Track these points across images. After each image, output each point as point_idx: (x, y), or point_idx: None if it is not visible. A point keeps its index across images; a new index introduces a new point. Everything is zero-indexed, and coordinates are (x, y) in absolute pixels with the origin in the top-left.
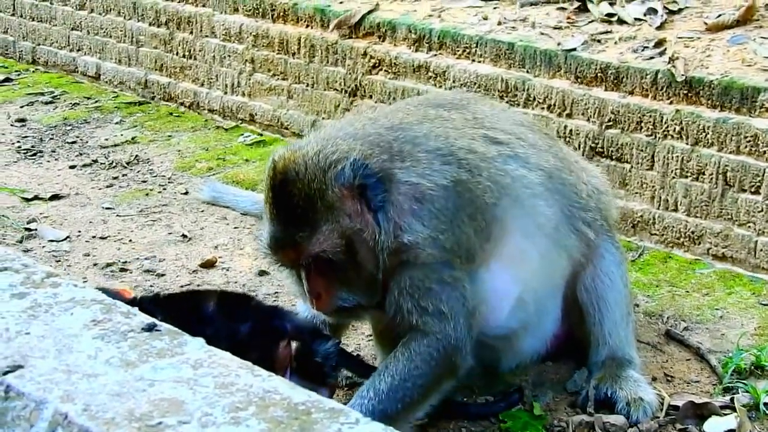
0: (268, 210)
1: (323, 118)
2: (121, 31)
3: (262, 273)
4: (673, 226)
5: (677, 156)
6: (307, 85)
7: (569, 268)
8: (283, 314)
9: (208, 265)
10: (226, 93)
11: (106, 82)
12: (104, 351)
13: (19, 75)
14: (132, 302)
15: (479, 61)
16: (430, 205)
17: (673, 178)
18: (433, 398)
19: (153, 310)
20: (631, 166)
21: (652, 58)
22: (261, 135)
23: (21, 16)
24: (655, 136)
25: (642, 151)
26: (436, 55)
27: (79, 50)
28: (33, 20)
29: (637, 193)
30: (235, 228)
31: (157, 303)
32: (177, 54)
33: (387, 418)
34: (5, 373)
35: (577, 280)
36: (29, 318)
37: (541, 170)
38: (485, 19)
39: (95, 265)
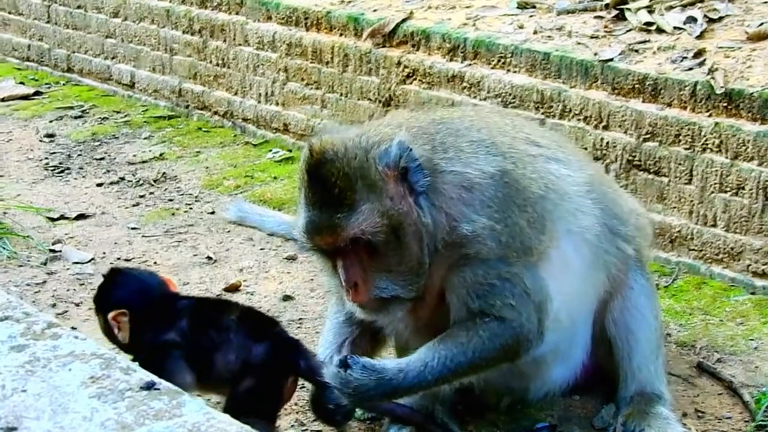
0: (304, 193)
1: None
2: (155, 39)
3: (287, 298)
4: (712, 242)
5: (716, 170)
6: (341, 95)
7: (606, 287)
8: (302, 351)
9: (233, 288)
10: (259, 102)
11: (141, 90)
12: (100, 412)
13: (49, 88)
14: (171, 297)
15: (514, 71)
16: (480, 194)
17: (712, 192)
18: (478, 375)
19: (179, 306)
20: (669, 180)
21: (691, 69)
22: (290, 151)
23: (56, 24)
24: (694, 150)
25: (680, 164)
26: (470, 64)
27: (113, 58)
28: (68, 28)
29: (674, 207)
30: (261, 249)
31: (185, 301)
32: (211, 62)
33: (434, 382)
34: None
35: (606, 312)
36: (27, 374)
37: (583, 176)
38: (521, 27)
39: None
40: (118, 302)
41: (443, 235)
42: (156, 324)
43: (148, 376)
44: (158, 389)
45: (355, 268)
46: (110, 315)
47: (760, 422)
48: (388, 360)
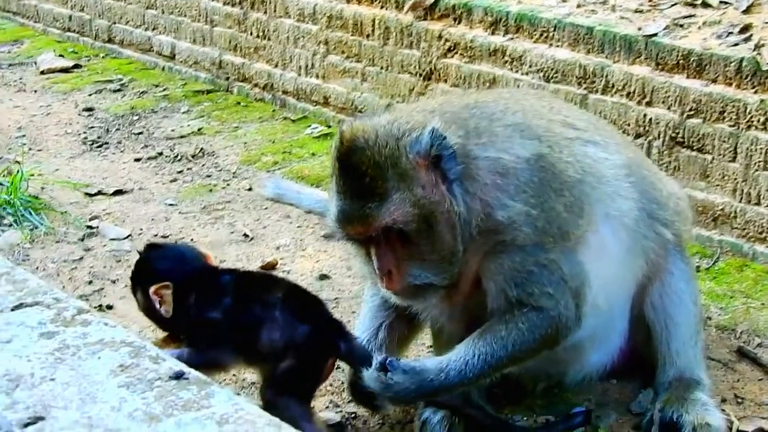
0: (335, 181)
1: (397, 102)
2: (195, 10)
3: (323, 277)
4: (755, 221)
5: (761, 147)
6: (382, 68)
7: (644, 272)
8: (343, 332)
9: (269, 267)
10: (299, 75)
11: (181, 62)
12: (129, 401)
13: (88, 61)
14: (211, 270)
15: (557, 46)
16: (515, 179)
17: (757, 170)
18: (519, 367)
19: (223, 281)
20: (713, 158)
21: (736, 44)
22: (329, 127)
23: None
24: (739, 127)
25: (724, 142)
26: (512, 38)
27: (154, 29)
28: None
29: (718, 185)
30: (298, 227)
31: (230, 275)
32: (251, 34)
33: (476, 379)
34: (26, 425)
35: (644, 296)
36: (56, 362)
37: (621, 159)
38: (564, 1)
39: None
40: (160, 275)
41: (478, 222)
42: (200, 298)
43: (177, 366)
44: (187, 379)
45: (388, 256)
46: (153, 288)
47: None
48: (427, 360)
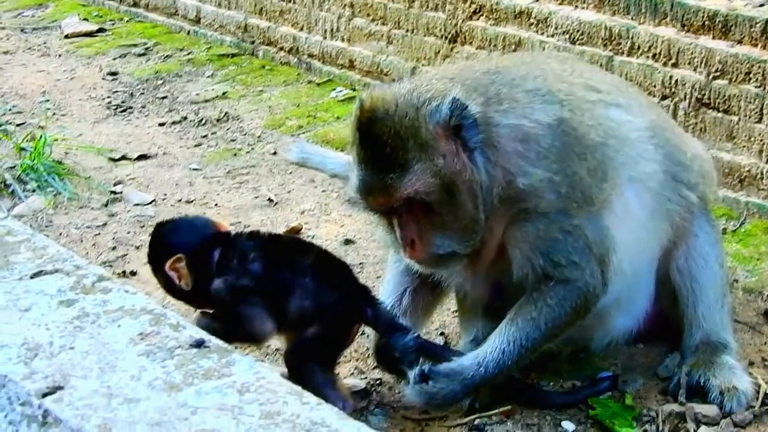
0: (356, 152)
1: (423, 65)
2: None
3: (348, 242)
4: None
5: None
6: (407, 31)
7: (669, 236)
8: (369, 298)
9: (294, 231)
10: (325, 38)
11: (206, 25)
12: (149, 370)
13: (113, 24)
14: (225, 236)
15: (582, 8)
16: (536, 145)
17: None
18: (555, 342)
19: (247, 247)
20: (739, 119)
21: (762, 5)
22: (354, 90)
23: None
24: (765, 88)
25: (750, 103)
26: (538, 0)
27: None
28: None
29: (744, 146)
30: (323, 191)
31: (254, 241)
32: None
33: (515, 363)
34: (45, 395)
35: (670, 260)
36: (75, 330)
37: (645, 121)
38: None
39: None
40: (170, 249)
41: (499, 190)
42: (220, 266)
43: (198, 333)
44: (208, 347)
45: (411, 226)
46: (167, 265)
47: None
48: (464, 358)
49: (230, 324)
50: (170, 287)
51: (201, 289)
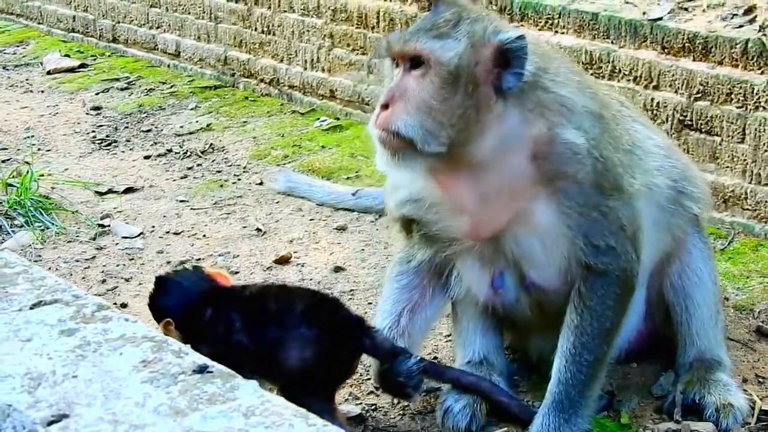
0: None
1: None
2: (199, 7)
3: (338, 269)
4: (766, 201)
5: None
6: None
7: (667, 247)
8: (365, 328)
9: (283, 261)
10: (305, 69)
11: (186, 59)
12: (153, 396)
13: (94, 60)
14: (217, 294)
15: (562, 33)
16: (580, 118)
17: (765, 150)
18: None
19: (233, 314)
20: (722, 139)
21: (741, 26)
22: (338, 119)
23: None
24: (746, 108)
25: (732, 123)
26: (518, 26)
27: (158, 28)
28: None
29: (727, 167)
30: (311, 220)
31: (241, 304)
32: (256, 30)
33: (599, 379)
34: (50, 424)
35: (663, 276)
36: (77, 359)
37: (662, 139)
38: None
39: (168, 263)
40: (161, 311)
41: (537, 145)
42: (212, 328)
43: (201, 359)
44: (211, 372)
45: (399, 87)
46: (160, 326)
47: None
48: (555, 403)
49: None
50: None
51: (195, 348)
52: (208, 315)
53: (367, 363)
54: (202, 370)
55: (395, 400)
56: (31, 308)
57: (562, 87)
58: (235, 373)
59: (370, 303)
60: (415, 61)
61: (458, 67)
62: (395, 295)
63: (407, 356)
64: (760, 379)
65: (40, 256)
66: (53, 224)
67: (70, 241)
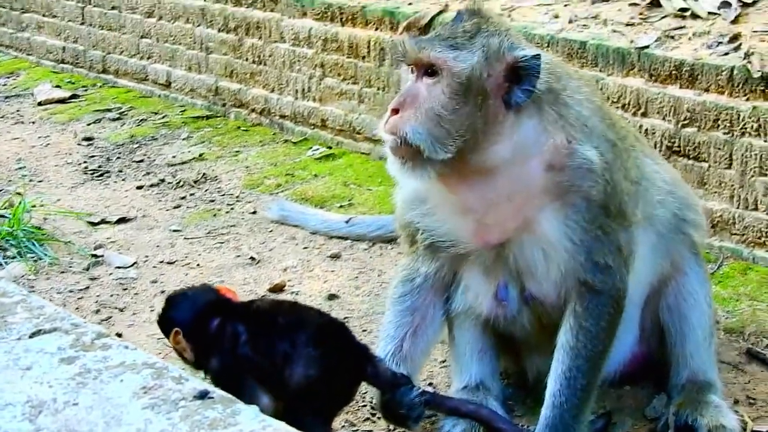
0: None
1: None
2: (190, 38)
3: (332, 297)
4: (754, 226)
5: (756, 154)
6: (378, 89)
7: (664, 271)
8: (368, 356)
9: (277, 289)
10: (297, 98)
11: (177, 89)
12: (154, 423)
13: (86, 90)
14: (225, 305)
15: None
16: (596, 138)
17: (752, 176)
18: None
19: (241, 326)
20: (709, 165)
21: (727, 53)
22: (330, 148)
23: (90, 25)
24: (733, 134)
25: (719, 149)
26: None
27: (149, 58)
28: (102, 29)
29: (715, 192)
30: (305, 248)
31: (250, 318)
32: (247, 60)
33: (590, 398)
34: None
35: (660, 298)
36: (78, 386)
37: (668, 174)
38: (556, 17)
39: (162, 292)
40: (170, 322)
41: (553, 155)
42: (217, 342)
43: (201, 385)
44: (212, 398)
45: (410, 93)
46: (170, 338)
47: None
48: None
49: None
50: (180, 356)
51: (204, 360)
52: (215, 325)
53: (363, 390)
54: (203, 396)
55: (391, 427)
56: (31, 337)
57: (583, 108)
58: (235, 399)
59: (365, 330)
60: (429, 69)
61: (470, 79)
62: (398, 319)
63: (409, 387)
64: (751, 401)
65: (33, 287)
66: (46, 255)
67: (63, 272)
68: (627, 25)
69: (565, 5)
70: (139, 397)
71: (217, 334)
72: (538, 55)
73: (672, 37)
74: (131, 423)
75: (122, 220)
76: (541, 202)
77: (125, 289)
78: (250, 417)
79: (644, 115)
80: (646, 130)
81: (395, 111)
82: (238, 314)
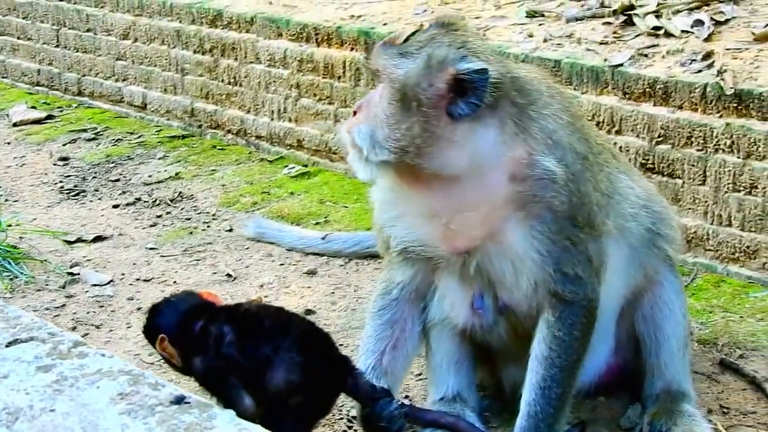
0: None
1: None
2: (165, 59)
3: (309, 312)
4: (728, 242)
5: (729, 170)
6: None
7: (639, 284)
8: (349, 368)
9: None
10: (272, 119)
11: (153, 111)
12: (131, 428)
13: (61, 111)
14: (208, 308)
15: None
16: (563, 152)
17: (726, 192)
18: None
19: (226, 326)
20: (683, 182)
21: (700, 71)
22: (305, 166)
23: (65, 48)
24: (706, 151)
25: (693, 166)
26: None
27: (124, 80)
28: (77, 51)
29: (689, 208)
30: (281, 265)
31: (234, 319)
32: (222, 81)
33: (564, 409)
34: None
35: (635, 309)
36: (54, 393)
37: (643, 190)
38: (530, 36)
39: (139, 309)
40: (155, 329)
41: (516, 168)
42: (203, 343)
43: (177, 390)
44: (188, 403)
45: (369, 97)
46: (156, 345)
47: None
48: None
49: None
50: (173, 367)
51: (187, 364)
52: (198, 327)
53: (341, 402)
54: (179, 401)
55: None
56: (7, 346)
57: (550, 121)
58: (212, 404)
59: (341, 345)
60: (381, 76)
61: (405, 86)
62: (377, 333)
63: (388, 400)
64: (725, 410)
65: (9, 305)
66: (22, 273)
67: (39, 290)
68: (601, 43)
69: (540, 24)
70: (116, 402)
71: (202, 335)
72: (484, 69)
73: (645, 55)
74: (108, 428)
75: (98, 239)
76: (507, 213)
77: (102, 307)
78: (226, 421)
79: (618, 132)
80: (621, 147)
81: (355, 113)
82: (225, 316)
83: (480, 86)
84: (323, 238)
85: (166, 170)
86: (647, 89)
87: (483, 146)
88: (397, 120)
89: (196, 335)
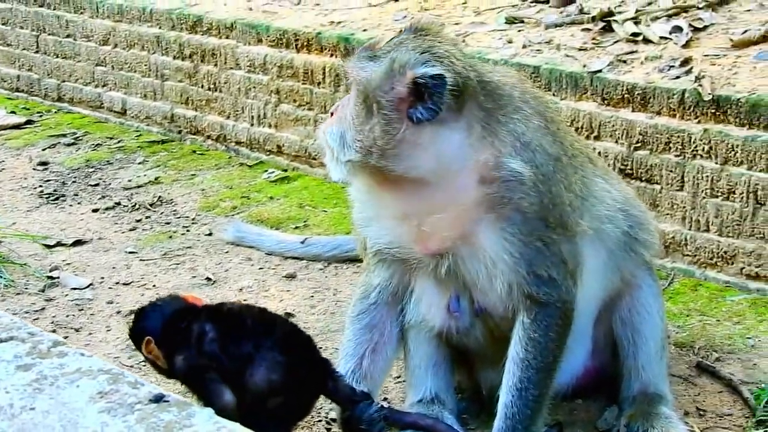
0: None
1: None
2: (145, 65)
3: (288, 316)
4: (706, 247)
5: (707, 176)
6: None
7: (616, 287)
8: (330, 371)
9: None
10: (252, 125)
11: (133, 117)
12: (110, 426)
13: (41, 116)
14: (191, 311)
15: None
16: (533, 155)
17: (704, 198)
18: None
19: (208, 325)
20: (661, 187)
21: (678, 77)
22: (285, 171)
23: (45, 54)
24: (684, 156)
25: (671, 171)
26: None
27: (104, 86)
28: (57, 57)
29: (668, 214)
30: (260, 269)
31: (218, 318)
32: (202, 87)
33: (541, 410)
34: None
35: (612, 312)
36: (34, 392)
37: (620, 194)
38: (510, 42)
39: (118, 312)
40: (141, 332)
41: (484, 170)
42: (185, 343)
43: (156, 389)
44: (167, 401)
45: (342, 103)
46: (142, 348)
47: (761, 417)
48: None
49: (200, 398)
50: (159, 370)
51: (171, 365)
52: (182, 327)
53: (319, 405)
54: (158, 399)
55: None
56: None
57: (519, 125)
58: (190, 402)
59: (321, 348)
60: (346, 77)
61: (366, 88)
62: (357, 337)
63: (368, 403)
64: (701, 412)
65: None
66: (1, 277)
67: (18, 293)
68: (580, 49)
69: (519, 30)
70: (95, 401)
71: (186, 334)
72: (440, 75)
73: (624, 62)
74: (88, 426)
75: (78, 243)
76: (477, 215)
77: (81, 310)
78: (205, 419)
79: (597, 138)
80: (599, 152)
81: (332, 114)
82: (205, 315)
83: (436, 91)
84: (302, 242)
85: (145, 175)
86: (626, 95)
87: (448, 149)
88: (361, 121)
89: (180, 335)
